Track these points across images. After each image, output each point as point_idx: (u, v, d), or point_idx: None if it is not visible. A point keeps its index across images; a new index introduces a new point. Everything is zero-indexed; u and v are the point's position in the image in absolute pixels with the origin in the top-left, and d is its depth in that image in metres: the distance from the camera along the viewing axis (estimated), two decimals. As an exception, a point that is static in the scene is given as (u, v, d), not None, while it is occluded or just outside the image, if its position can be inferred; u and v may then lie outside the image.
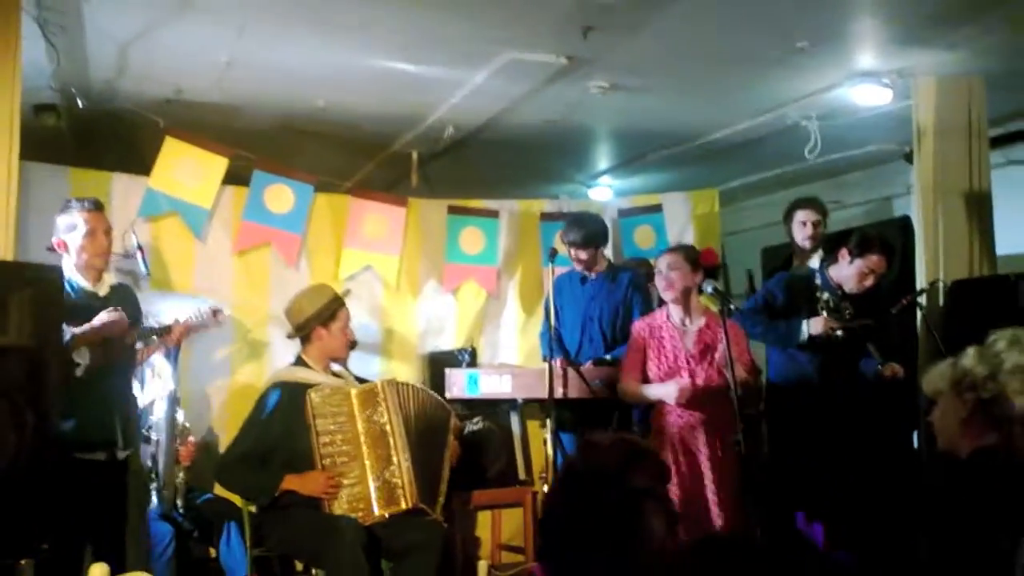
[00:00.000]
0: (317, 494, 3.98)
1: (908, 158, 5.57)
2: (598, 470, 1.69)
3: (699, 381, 4.17)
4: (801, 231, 5.24)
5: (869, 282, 4.51)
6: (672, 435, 4.18)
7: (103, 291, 3.90)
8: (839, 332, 4.44)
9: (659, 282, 4.32)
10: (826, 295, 4.55)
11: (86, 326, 3.60)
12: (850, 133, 5.82)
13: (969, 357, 2.41)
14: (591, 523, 1.63)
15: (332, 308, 4.29)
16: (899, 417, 4.72)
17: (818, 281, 4.61)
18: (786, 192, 7.43)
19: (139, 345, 4.05)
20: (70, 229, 3.83)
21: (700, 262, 4.35)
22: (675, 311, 4.31)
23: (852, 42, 4.65)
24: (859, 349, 4.56)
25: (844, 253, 4.54)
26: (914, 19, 4.34)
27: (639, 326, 4.41)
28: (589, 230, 5.01)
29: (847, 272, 4.53)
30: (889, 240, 4.69)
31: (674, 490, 3.96)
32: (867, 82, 5.01)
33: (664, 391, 4.19)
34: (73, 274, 3.83)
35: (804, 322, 4.47)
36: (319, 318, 4.26)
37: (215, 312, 4.24)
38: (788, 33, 4.44)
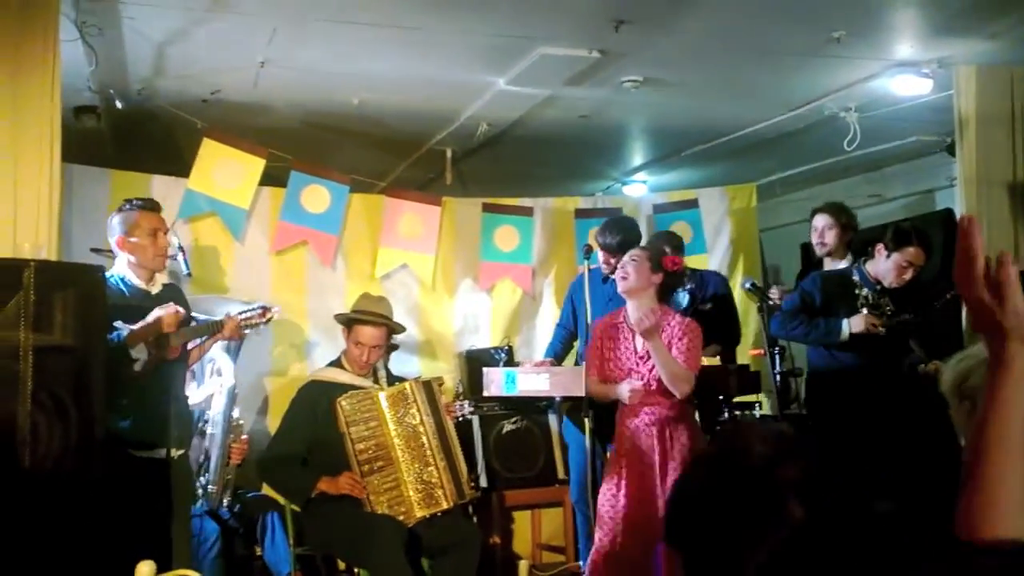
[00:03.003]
0: (345, 492, 4.00)
1: (950, 150, 5.48)
2: (743, 459, 1.66)
3: (648, 380, 4.07)
4: (815, 236, 5.19)
5: (908, 275, 4.44)
6: (626, 436, 4.10)
7: (155, 289, 3.94)
8: (881, 329, 4.37)
9: (617, 272, 4.20)
10: (865, 291, 4.49)
11: (141, 323, 3.63)
12: (890, 125, 5.73)
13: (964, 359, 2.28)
14: (730, 508, 1.60)
15: (349, 321, 4.33)
16: (941, 415, 4.63)
17: (856, 278, 4.55)
18: (824, 186, 7.35)
19: (191, 344, 4.06)
20: (132, 228, 3.86)
21: (663, 265, 4.18)
22: (631, 309, 4.17)
23: (890, 31, 4.58)
24: (901, 346, 4.49)
25: (880, 248, 4.48)
26: (953, 7, 4.27)
27: (597, 323, 4.34)
28: (625, 237, 4.92)
29: (885, 267, 4.46)
30: (924, 231, 4.61)
31: (624, 494, 3.97)
32: (906, 72, 4.93)
33: (618, 391, 4.10)
34: (127, 273, 3.87)
35: (845, 320, 4.40)
36: (343, 323, 4.32)
37: (264, 310, 4.25)
38: (824, 23, 4.38)
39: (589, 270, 5.00)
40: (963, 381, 2.25)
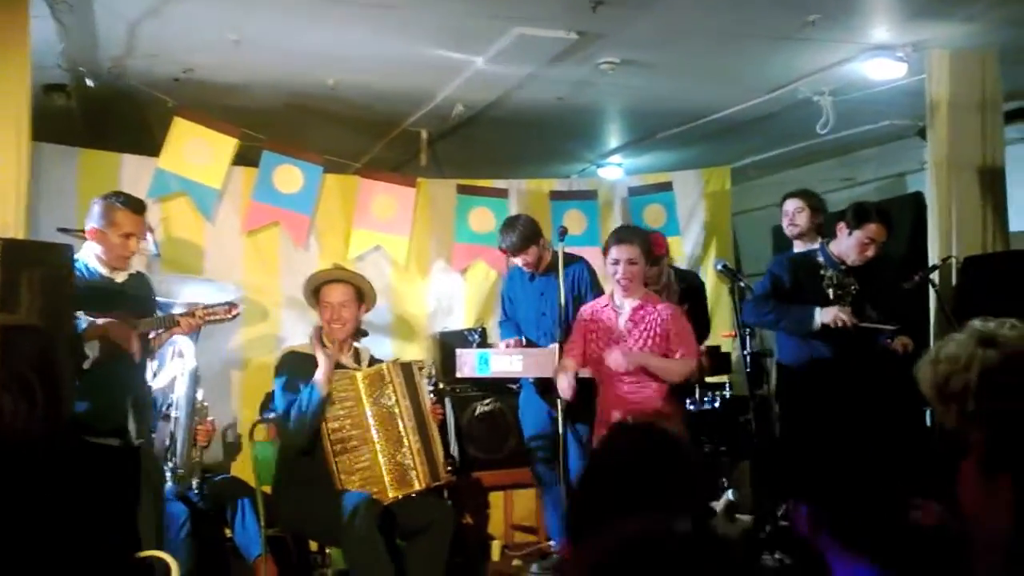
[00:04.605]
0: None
1: (922, 134, 5.52)
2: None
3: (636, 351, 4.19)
4: (785, 220, 5.25)
5: (870, 252, 4.47)
6: (614, 413, 4.17)
7: (120, 278, 3.91)
8: (848, 318, 4.37)
9: (616, 272, 4.22)
10: (830, 272, 4.51)
11: (99, 321, 3.59)
12: (863, 108, 5.76)
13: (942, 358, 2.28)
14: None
15: (315, 289, 4.27)
16: (911, 396, 4.67)
17: (820, 259, 4.57)
18: (798, 170, 7.39)
19: (152, 334, 4.03)
20: (108, 224, 3.82)
21: (653, 252, 4.34)
22: (618, 295, 4.29)
23: (864, 15, 4.60)
24: (870, 335, 4.52)
25: (842, 227, 4.51)
26: (928, -9, 4.30)
27: (583, 310, 4.43)
28: (520, 233, 4.98)
29: (847, 244, 4.49)
30: (885, 208, 4.65)
31: None
32: (880, 56, 4.96)
33: (609, 359, 4.18)
34: (92, 260, 3.85)
35: (816, 310, 4.43)
36: (310, 293, 4.29)
37: (230, 307, 4.21)
38: (800, 6, 4.39)
39: (516, 265, 5.08)
40: (944, 384, 2.26)
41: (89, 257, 3.86)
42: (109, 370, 3.67)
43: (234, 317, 4.19)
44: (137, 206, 3.90)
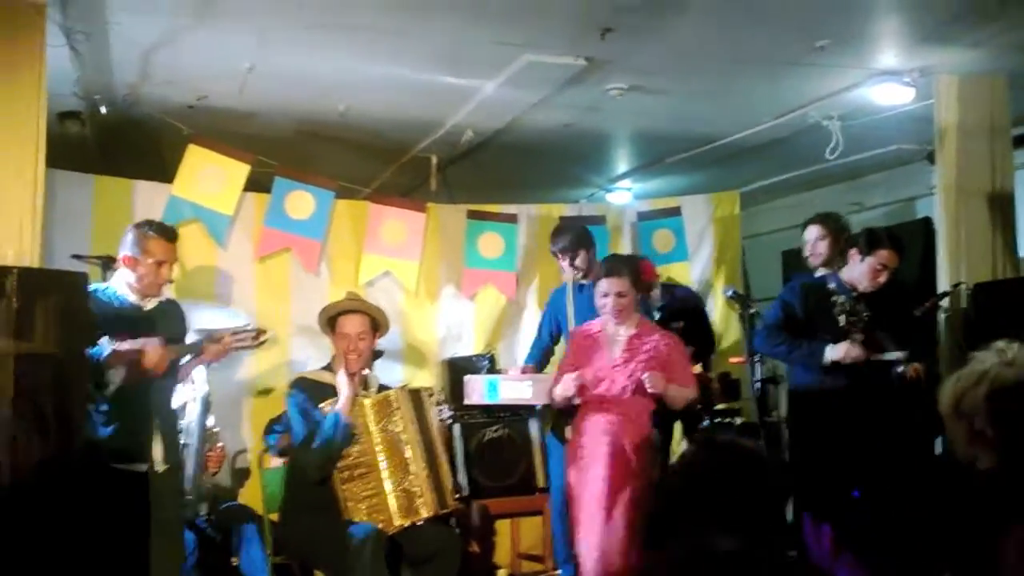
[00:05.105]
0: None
1: (931, 158, 5.52)
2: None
3: (621, 385, 4.12)
4: (807, 248, 5.13)
5: (882, 278, 4.45)
6: (584, 441, 4.16)
7: (149, 306, 3.93)
8: (861, 359, 4.35)
9: (605, 305, 4.18)
10: (842, 298, 4.48)
11: (126, 345, 3.60)
12: (872, 133, 5.78)
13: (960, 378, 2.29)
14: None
15: (330, 319, 4.30)
16: (921, 423, 4.66)
17: (832, 285, 4.55)
18: (807, 194, 7.40)
19: (183, 361, 4.04)
20: (141, 251, 3.86)
21: (642, 280, 4.30)
22: (611, 325, 4.24)
23: (873, 41, 4.63)
24: (885, 367, 4.49)
25: (854, 253, 4.49)
26: (936, 17, 4.32)
27: (574, 333, 4.40)
28: (574, 234, 5.01)
29: (859, 271, 4.48)
30: (897, 235, 4.63)
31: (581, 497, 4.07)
32: (889, 81, 4.98)
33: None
34: (121, 287, 3.88)
35: (829, 347, 4.40)
36: (325, 323, 4.31)
37: (258, 334, 4.19)
38: (808, 32, 4.42)
39: (558, 288, 5.04)
40: (959, 402, 2.28)
41: (120, 284, 3.89)
42: (136, 395, 3.69)
43: (260, 344, 4.16)
44: (170, 235, 3.97)
